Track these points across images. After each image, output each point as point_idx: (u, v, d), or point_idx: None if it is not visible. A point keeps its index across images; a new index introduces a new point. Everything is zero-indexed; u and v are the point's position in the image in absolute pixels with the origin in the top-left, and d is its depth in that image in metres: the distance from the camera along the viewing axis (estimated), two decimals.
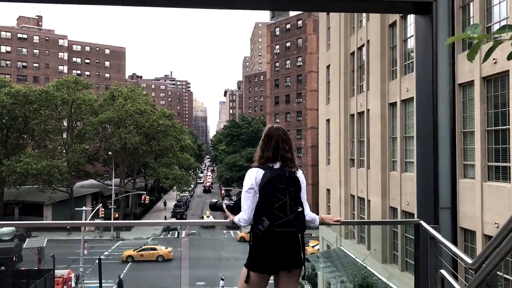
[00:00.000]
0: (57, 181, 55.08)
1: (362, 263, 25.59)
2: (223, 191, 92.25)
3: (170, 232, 58.76)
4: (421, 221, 3.79)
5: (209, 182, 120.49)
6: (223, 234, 58.92)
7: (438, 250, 3.52)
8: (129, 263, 43.18)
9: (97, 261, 37.67)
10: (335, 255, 30.39)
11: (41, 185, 56.04)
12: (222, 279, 34.19)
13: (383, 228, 25.04)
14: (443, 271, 2.80)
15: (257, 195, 3.46)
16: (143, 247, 46.46)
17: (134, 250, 45.46)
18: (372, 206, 26.78)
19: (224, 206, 3.89)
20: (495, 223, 15.69)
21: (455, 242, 3.92)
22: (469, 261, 2.40)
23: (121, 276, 34.97)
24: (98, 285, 31.22)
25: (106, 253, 46.98)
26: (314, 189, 39.93)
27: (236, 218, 3.60)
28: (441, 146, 4.02)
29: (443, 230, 3.85)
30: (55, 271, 33.78)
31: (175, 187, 70.66)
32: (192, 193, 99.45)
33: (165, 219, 64.93)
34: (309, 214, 3.59)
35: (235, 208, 3.73)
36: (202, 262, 43.46)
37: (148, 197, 67.08)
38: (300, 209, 3.45)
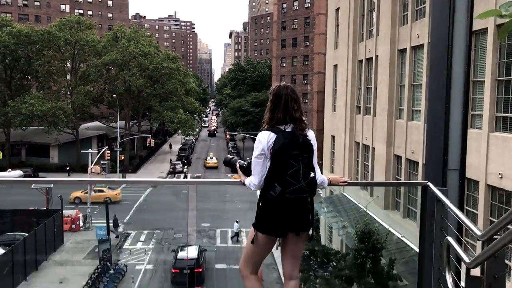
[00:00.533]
0: (62, 122, 55.26)
1: (365, 209, 25.95)
2: (227, 136, 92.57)
3: (176, 175, 59.58)
4: (428, 183, 3.69)
5: (213, 126, 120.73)
6: (227, 177, 59.55)
7: (445, 214, 3.45)
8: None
9: (103, 202, 38.62)
10: (337, 201, 30.81)
11: (46, 126, 56.31)
12: (237, 222, 34.81)
13: (387, 175, 25.17)
14: (449, 238, 2.73)
15: (268, 160, 3.36)
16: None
17: (81, 192, 45.15)
18: (376, 154, 26.80)
19: (238, 166, 3.79)
20: (499, 174, 15.69)
21: (462, 205, 3.85)
22: (478, 232, 2.31)
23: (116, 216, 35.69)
24: (105, 225, 32.00)
25: None
26: (319, 135, 39.86)
27: (246, 182, 3.53)
28: (453, 102, 3.85)
29: (451, 193, 3.76)
30: (63, 211, 34.61)
31: (179, 131, 70.89)
32: (197, 137, 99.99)
33: (170, 162, 65.65)
34: (319, 177, 3.51)
35: (248, 170, 3.64)
36: (206, 204, 44.34)
37: (153, 140, 67.45)
38: (312, 175, 3.37)
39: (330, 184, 3.66)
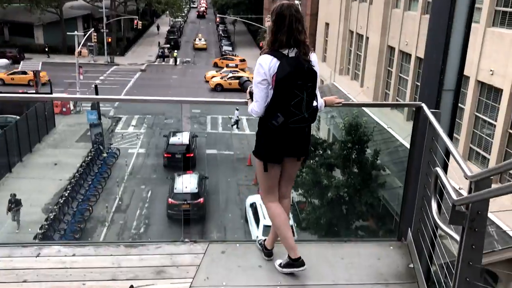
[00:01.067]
0: (44, 0, 52.73)
1: (354, 99, 26.21)
2: (217, 19, 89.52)
3: (165, 59, 58.56)
4: (422, 104, 3.75)
5: (203, 7, 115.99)
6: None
7: (436, 137, 3.55)
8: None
9: (93, 86, 38.31)
10: (327, 90, 30.95)
11: (28, 4, 53.74)
12: (237, 109, 34.91)
13: (378, 66, 25.07)
14: (438, 170, 2.86)
15: (271, 88, 3.25)
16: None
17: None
18: (370, 44, 26.39)
19: (247, 91, 3.61)
20: (491, 70, 15.72)
21: (452, 128, 3.94)
22: (469, 173, 2.43)
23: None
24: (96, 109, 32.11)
25: (101, 77, 47.41)
26: (312, 20, 38.67)
27: (249, 108, 3.45)
28: (456, 21, 3.77)
29: (444, 114, 3.84)
30: (53, 94, 34.49)
31: (167, 12, 68.18)
32: (185, 18, 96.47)
33: (159, 45, 64.11)
34: (318, 102, 3.49)
35: None
36: (196, 92, 44.35)
37: (140, 22, 65.09)
38: (315, 105, 3.36)
39: (325, 105, 3.67)
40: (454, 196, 2.42)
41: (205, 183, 24.96)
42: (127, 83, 46.13)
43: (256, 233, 19.92)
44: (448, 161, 3.52)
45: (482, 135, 16.39)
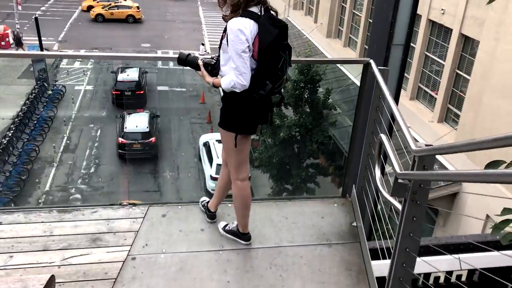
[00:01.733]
0: None
1: (308, 36, 25.85)
2: None
3: None
4: (370, 60, 3.59)
5: None
6: None
7: (382, 96, 3.44)
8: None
9: (33, 18, 35.80)
10: None
11: None
12: (203, 44, 33.62)
13: (332, 1, 24.59)
14: (383, 137, 2.76)
15: (250, 54, 2.87)
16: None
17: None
18: None
19: (201, 63, 3.14)
20: (442, 9, 15.70)
21: (400, 84, 3.84)
22: (413, 147, 2.33)
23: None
24: (38, 43, 30.22)
25: (43, 8, 44.30)
26: None
27: (226, 82, 2.92)
28: None
29: (392, 69, 3.71)
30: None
31: None
32: None
33: None
34: None
35: (217, 68, 3.10)
36: (146, 23, 42.43)
37: None
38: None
39: None
40: (397, 169, 2.34)
41: (156, 121, 24.49)
42: (71, 14, 43.42)
43: (210, 171, 19.97)
44: (394, 123, 3.43)
45: (431, 74, 16.65)
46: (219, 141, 21.57)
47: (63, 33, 38.04)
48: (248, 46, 2.83)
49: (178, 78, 31.87)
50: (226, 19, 2.94)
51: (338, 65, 21.20)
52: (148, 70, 31.10)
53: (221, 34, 3.05)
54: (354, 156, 3.91)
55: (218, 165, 19.82)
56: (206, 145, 21.57)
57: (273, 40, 2.84)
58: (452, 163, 14.04)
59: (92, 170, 21.63)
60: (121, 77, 27.40)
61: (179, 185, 20.95)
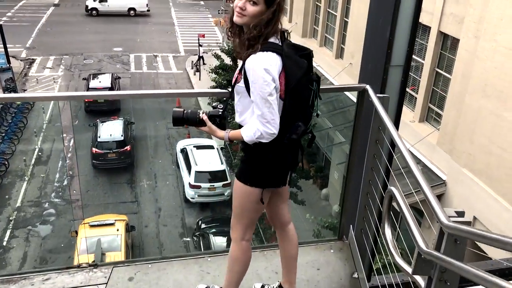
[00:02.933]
0: None
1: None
2: None
3: None
4: (367, 86, 3.10)
5: None
6: None
7: (383, 128, 2.95)
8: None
9: None
10: None
11: None
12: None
13: (306, 1, 24.18)
14: (394, 190, 2.25)
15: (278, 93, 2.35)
16: None
17: None
18: None
19: (205, 118, 2.56)
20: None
21: (400, 109, 3.37)
22: (445, 221, 1.82)
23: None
24: (3, 52, 29.02)
25: (8, 14, 42.80)
26: None
27: (250, 133, 2.38)
28: None
29: (391, 95, 3.23)
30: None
31: None
32: None
33: None
34: None
35: (226, 118, 2.57)
36: (116, 26, 41.40)
37: None
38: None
39: None
40: (421, 245, 1.83)
41: (131, 128, 23.76)
42: (39, 19, 42.06)
43: (188, 179, 19.37)
44: (394, 151, 2.95)
45: (411, 73, 16.34)
46: (197, 147, 20.98)
47: (31, 40, 36.75)
48: (275, 87, 2.30)
49: (152, 83, 31.12)
50: (241, 56, 2.39)
51: (314, 64, 20.79)
52: (121, 75, 30.27)
53: (236, 75, 2.49)
54: (351, 194, 3.42)
55: (197, 172, 19.23)
56: (184, 151, 20.96)
57: (303, 74, 2.36)
58: (436, 163, 13.80)
59: (66, 182, 20.78)
60: (93, 83, 26.57)
61: (157, 194, 20.31)
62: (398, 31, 3.09)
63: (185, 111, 2.58)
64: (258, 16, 2.31)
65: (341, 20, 20.36)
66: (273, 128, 2.32)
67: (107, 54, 34.88)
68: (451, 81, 13.62)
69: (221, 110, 2.55)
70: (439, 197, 13.58)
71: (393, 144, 2.99)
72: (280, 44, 2.37)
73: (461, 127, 12.91)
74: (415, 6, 3.07)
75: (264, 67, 2.27)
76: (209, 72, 22.75)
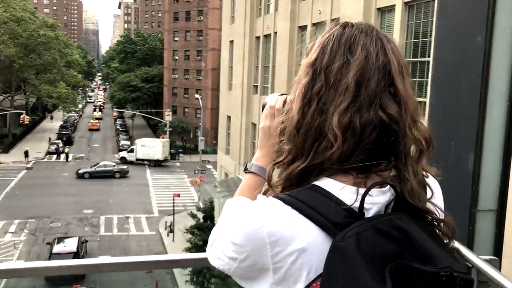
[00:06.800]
0: None
1: None
2: (114, 113, 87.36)
3: (59, 156, 54.09)
4: (459, 246, 1.91)
5: (100, 101, 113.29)
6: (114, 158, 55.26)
7: None
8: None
9: None
10: (232, 183, 29.40)
11: None
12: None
13: None
14: None
15: None
16: None
17: None
18: None
19: None
20: None
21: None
22: None
23: None
24: None
25: None
26: (213, 113, 38.06)
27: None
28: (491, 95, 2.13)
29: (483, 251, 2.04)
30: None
31: (60, 107, 64.57)
32: (81, 113, 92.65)
33: (49, 141, 59.64)
34: None
35: None
36: (90, 187, 40.59)
37: (28, 117, 60.58)
38: None
39: None
40: None
41: None
42: (9, 182, 41.11)
43: None
44: None
45: None
46: None
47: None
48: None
49: (122, 246, 29.18)
50: None
51: None
52: (89, 238, 28.43)
53: None
54: None
55: None
56: None
57: None
58: None
59: None
60: (57, 248, 24.56)
61: None
62: (484, 170, 2.04)
63: None
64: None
65: None
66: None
67: (76, 216, 33.37)
68: None
69: None
70: None
71: None
72: (359, 213, 0.96)
73: None
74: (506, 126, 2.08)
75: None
76: (184, 232, 21.36)
